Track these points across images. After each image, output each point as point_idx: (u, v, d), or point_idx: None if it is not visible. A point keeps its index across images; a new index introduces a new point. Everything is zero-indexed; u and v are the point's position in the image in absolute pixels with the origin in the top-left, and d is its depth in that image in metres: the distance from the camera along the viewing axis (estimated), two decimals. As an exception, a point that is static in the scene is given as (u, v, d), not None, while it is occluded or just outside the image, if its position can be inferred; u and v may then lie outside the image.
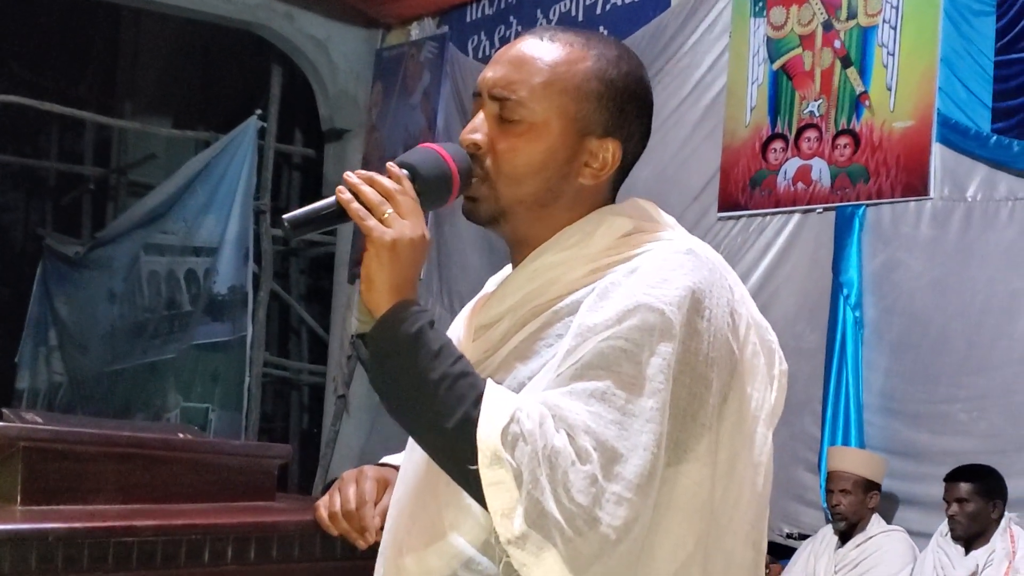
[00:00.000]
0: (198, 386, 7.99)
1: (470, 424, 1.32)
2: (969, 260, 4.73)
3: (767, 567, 5.11)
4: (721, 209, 5.69)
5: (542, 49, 1.51)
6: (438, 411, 1.33)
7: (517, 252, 1.54)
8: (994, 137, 4.66)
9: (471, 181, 1.49)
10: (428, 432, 1.37)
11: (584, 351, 1.36)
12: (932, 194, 4.86)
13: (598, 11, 6.49)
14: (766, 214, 5.51)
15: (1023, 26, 4.63)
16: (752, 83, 5.57)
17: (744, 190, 5.59)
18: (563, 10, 6.68)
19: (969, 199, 4.76)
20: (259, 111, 7.86)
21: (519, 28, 6.98)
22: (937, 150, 4.84)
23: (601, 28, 6.47)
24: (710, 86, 5.80)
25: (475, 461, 1.30)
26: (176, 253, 8.32)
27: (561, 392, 1.34)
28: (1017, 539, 4.05)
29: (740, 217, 5.63)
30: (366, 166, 7.82)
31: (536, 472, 1.28)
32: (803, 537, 4.97)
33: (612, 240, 1.50)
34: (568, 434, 1.30)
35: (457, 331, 1.59)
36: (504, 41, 7.05)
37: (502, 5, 7.05)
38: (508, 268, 1.59)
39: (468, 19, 7.29)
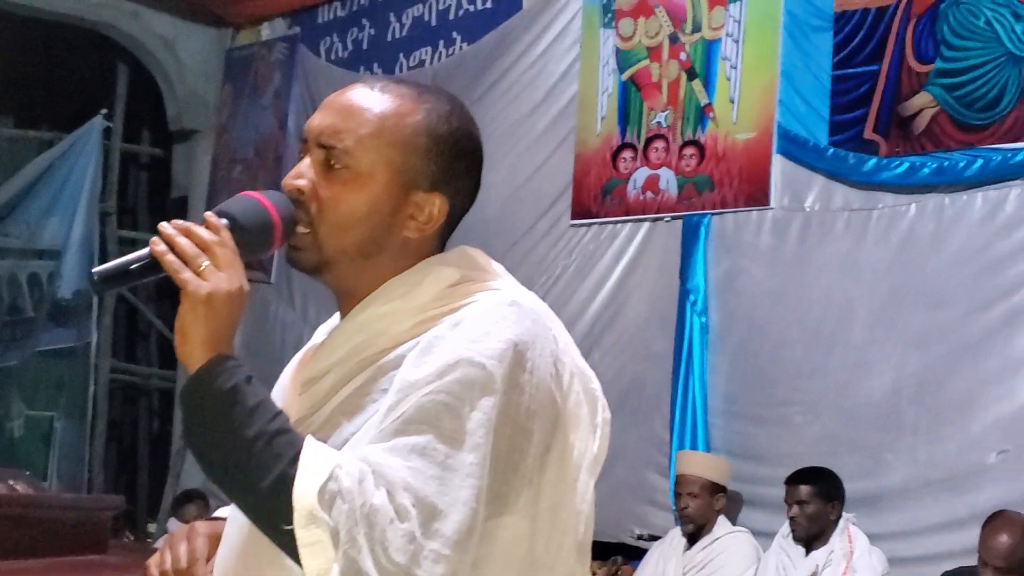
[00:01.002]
0: (42, 394, 7.73)
1: (286, 483, 1.31)
2: (807, 268, 4.90)
3: (619, 567, 5.23)
4: (574, 217, 5.76)
5: (372, 99, 1.50)
6: (253, 470, 1.32)
7: (344, 303, 1.53)
8: (831, 149, 4.82)
9: (294, 229, 1.48)
10: (244, 492, 1.35)
11: (406, 406, 1.36)
12: (773, 204, 5.01)
13: (451, 16, 6.49)
14: (617, 222, 5.61)
15: (858, 42, 4.80)
16: (602, 93, 5.65)
17: (596, 198, 5.68)
18: (416, 14, 6.66)
19: (807, 209, 4.93)
20: (104, 111, 7.63)
21: (372, 31, 6.93)
22: (777, 161, 5.00)
23: (454, 33, 6.49)
24: (562, 94, 5.86)
25: (291, 521, 1.29)
26: (18, 256, 8.02)
27: (382, 448, 1.34)
28: (854, 539, 4.22)
29: (592, 225, 5.71)
30: (216, 167, 7.66)
31: (353, 531, 1.27)
32: (654, 539, 5.08)
33: (439, 291, 1.50)
34: (388, 491, 1.30)
35: (284, 383, 1.58)
36: (356, 44, 7.00)
37: (354, 7, 6.98)
38: (336, 317, 1.57)
39: (320, 20, 7.20)
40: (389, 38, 6.85)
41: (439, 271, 1.53)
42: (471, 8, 6.40)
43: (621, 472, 5.42)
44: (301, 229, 1.47)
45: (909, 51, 4.64)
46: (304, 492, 1.29)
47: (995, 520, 3.69)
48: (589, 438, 1.54)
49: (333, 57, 7.07)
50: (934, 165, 4.47)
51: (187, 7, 7.45)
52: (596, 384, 1.57)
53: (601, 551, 5.36)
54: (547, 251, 5.89)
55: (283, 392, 1.55)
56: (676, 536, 4.71)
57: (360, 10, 6.94)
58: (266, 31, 7.46)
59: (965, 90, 4.45)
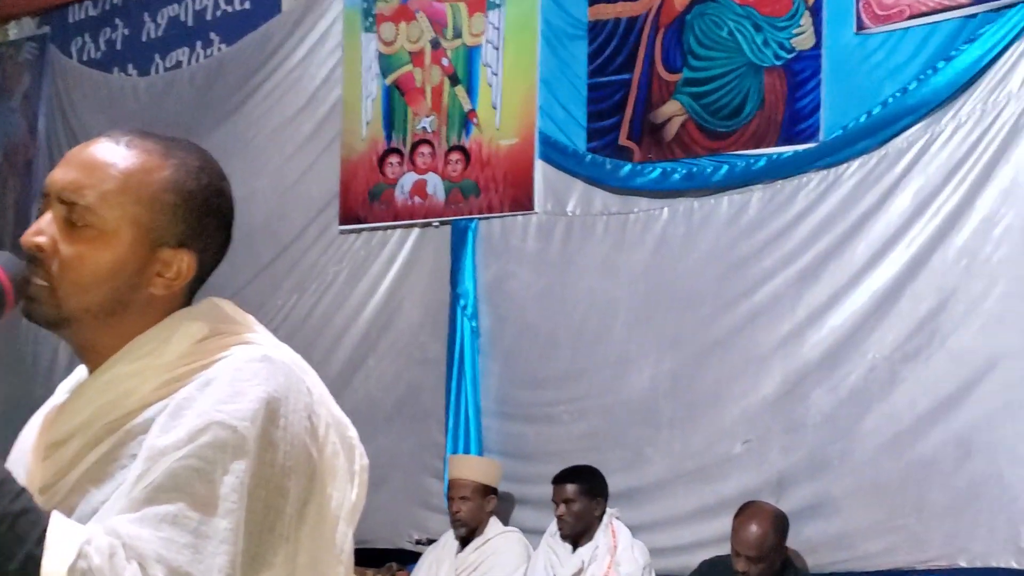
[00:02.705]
0: None
1: (34, 564, 1.26)
2: (570, 271, 5.05)
3: (394, 573, 5.26)
4: (342, 223, 5.73)
5: (117, 154, 1.45)
6: None
7: (88, 359, 1.48)
8: (589, 156, 4.99)
9: (27, 288, 1.42)
10: None
11: (156, 473, 1.33)
12: (537, 209, 5.14)
13: (208, 16, 6.31)
14: (386, 228, 5.61)
15: (612, 50, 4.97)
16: (367, 97, 5.64)
17: (364, 204, 5.66)
18: (172, 14, 6.45)
19: (569, 214, 5.08)
20: None
21: (126, 31, 6.67)
22: (540, 167, 5.13)
23: (211, 34, 6.32)
24: (325, 98, 5.81)
25: None
26: None
27: (132, 519, 1.31)
28: (618, 533, 4.38)
29: (362, 231, 5.69)
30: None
31: None
32: (431, 542, 5.13)
33: (187, 347, 1.47)
34: (140, 565, 1.27)
35: (26, 446, 1.51)
36: (110, 44, 6.72)
37: (107, 6, 6.70)
38: (81, 371, 1.52)
39: (71, 19, 6.87)
40: (144, 38, 6.60)
41: (187, 326, 1.49)
42: (229, 9, 6.25)
43: (398, 478, 5.45)
44: (39, 281, 1.42)
45: (659, 60, 4.84)
46: (53, 573, 1.25)
47: (746, 511, 3.92)
48: (347, 487, 1.54)
49: (86, 58, 6.76)
50: (684, 171, 4.69)
51: (-77, 4, 6.95)
52: (353, 432, 1.58)
53: (378, 557, 5.39)
54: (317, 258, 5.84)
55: (25, 456, 1.49)
56: (449, 539, 4.78)
57: (113, 9, 6.66)
58: (13, 30, 7.05)
59: (711, 98, 4.69)
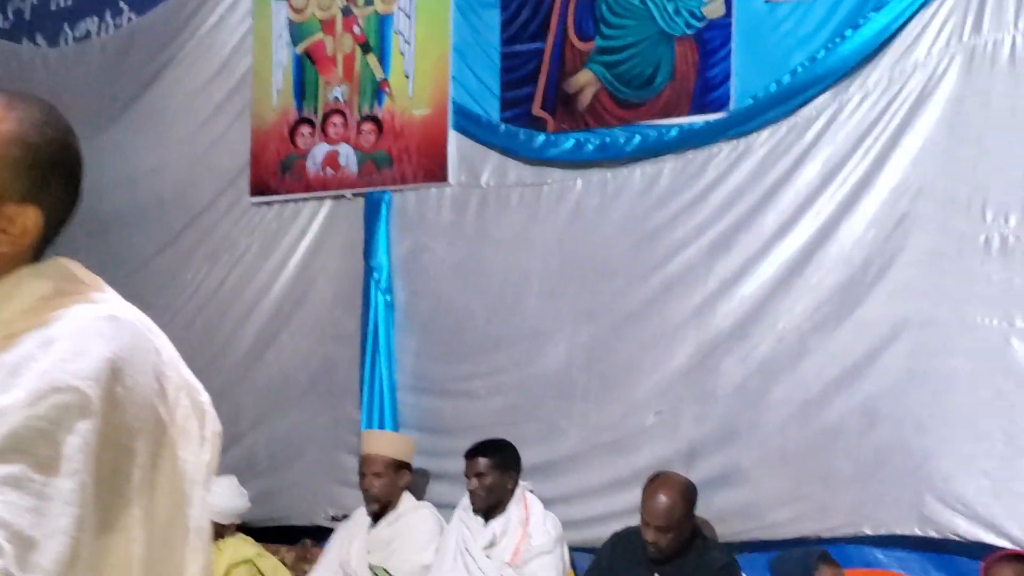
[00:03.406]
0: None
1: None
2: (486, 244, 5.00)
3: (308, 551, 5.19)
4: (253, 194, 5.62)
5: None
6: None
7: None
8: (503, 126, 4.93)
9: None
10: None
11: (-4, 434, 1.27)
12: (451, 180, 5.08)
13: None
14: (298, 199, 5.52)
15: (525, 19, 4.91)
16: (277, 66, 5.52)
17: (275, 175, 5.56)
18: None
19: (483, 185, 5.02)
20: None
21: (34, 1, 6.46)
22: (453, 137, 5.06)
23: (120, 3, 6.16)
24: (236, 67, 5.69)
25: None
26: None
27: None
28: (530, 506, 4.35)
29: (273, 203, 5.59)
30: None
31: None
32: (346, 518, 5.06)
33: (30, 303, 1.42)
34: None
35: None
36: (18, 14, 6.55)
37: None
38: None
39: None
40: (53, 7, 6.41)
41: (31, 284, 1.44)
42: (138, -24, 6.08)
43: (314, 454, 5.38)
44: None
45: (571, 28, 4.79)
46: None
47: (654, 481, 3.91)
48: (200, 451, 1.51)
49: (-8, 27, 6.55)
50: (597, 141, 4.66)
51: None
52: (205, 397, 1.55)
53: (293, 534, 5.32)
54: (229, 229, 5.72)
55: None
56: (361, 515, 4.71)
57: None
58: None
59: (623, 68, 4.65)
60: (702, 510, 4.20)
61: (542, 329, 4.82)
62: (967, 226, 3.82)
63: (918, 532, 3.82)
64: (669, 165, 4.51)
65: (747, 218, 4.34)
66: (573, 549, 4.46)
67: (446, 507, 4.77)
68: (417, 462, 4.96)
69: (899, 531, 3.86)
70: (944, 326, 3.84)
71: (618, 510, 4.28)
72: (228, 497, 4.91)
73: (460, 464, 4.66)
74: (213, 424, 1.53)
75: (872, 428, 3.97)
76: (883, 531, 3.90)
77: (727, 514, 4.25)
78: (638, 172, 4.59)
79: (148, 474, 1.39)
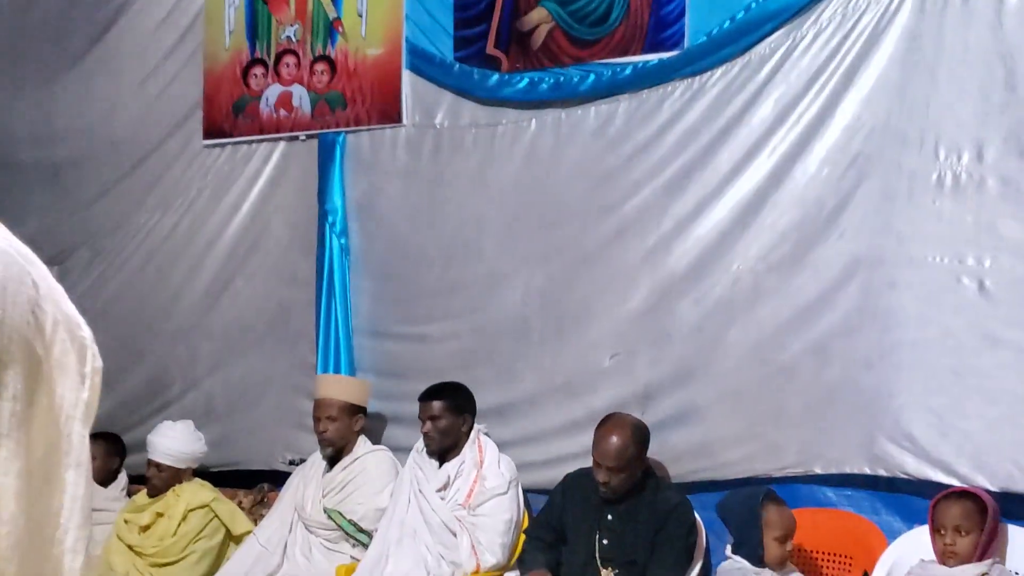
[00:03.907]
0: None
1: None
2: (441, 185, 4.94)
3: (265, 495, 5.18)
4: (206, 136, 5.54)
5: None
6: None
7: None
8: (457, 65, 4.84)
9: None
10: None
11: None
12: (405, 121, 5.00)
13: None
14: (251, 141, 5.43)
15: (479, -43, 4.81)
16: (229, 6, 5.41)
17: (228, 117, 5.46)
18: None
19: (438, 126, 4.94)
20: None
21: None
22: (408, 77, 4.97)
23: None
24: (188, 7, 5.56)
25: None
26: None
27: None
28: (484, 448, 4.34)
29: (226, 145, 5.50)
30: None
31: None
32: (304, 463, 5.05)
33: None
34: None
35: None
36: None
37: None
38: None
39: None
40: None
41: None
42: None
43: (271, 399, 5.36)
44: None
45: (525, -34, 4.70)
46: None
47: (606, 423, 3.90)
48: (79, 388, 1.47)
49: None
50: (551, 80, 4.58)
51: None
52: (86, 332, 1.49)
53: (251, 478, 5.30)
54: (182, 173, 5.64)
55: None
56: (317, 459, 4.70)
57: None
58: None
59: (576, 5, 4.57)
60: (657, 450, 4.20)
61: (498, 272, 4.78)
62: (919, 164, 3.78)
63: (867, 471, 3.82)
64: (623, 104, 4.45)
65: (702, 158, 4.29)
66: (529, 491, 4.47)
67: (404, 451, 4.75)
68: (374, 406, 4.94)
69: (849, 470, 3.87)
70: (895, 265, 3.81)
71: (574, 452, 4.27)
72: (184, 442, 4.89)
73: (417, 408, 4.64)
74: (94, 361, 1.49)
75: (824, 368, 3.96)
76: (833, 470, 3.91)
77: (681, 454, 4.25)
78: (592, 112, 4.52)
79: (22, 408, 1.35)
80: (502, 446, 4.47)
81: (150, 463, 4.89)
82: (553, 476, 4.30)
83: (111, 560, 4.81)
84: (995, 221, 3.60)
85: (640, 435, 3.87)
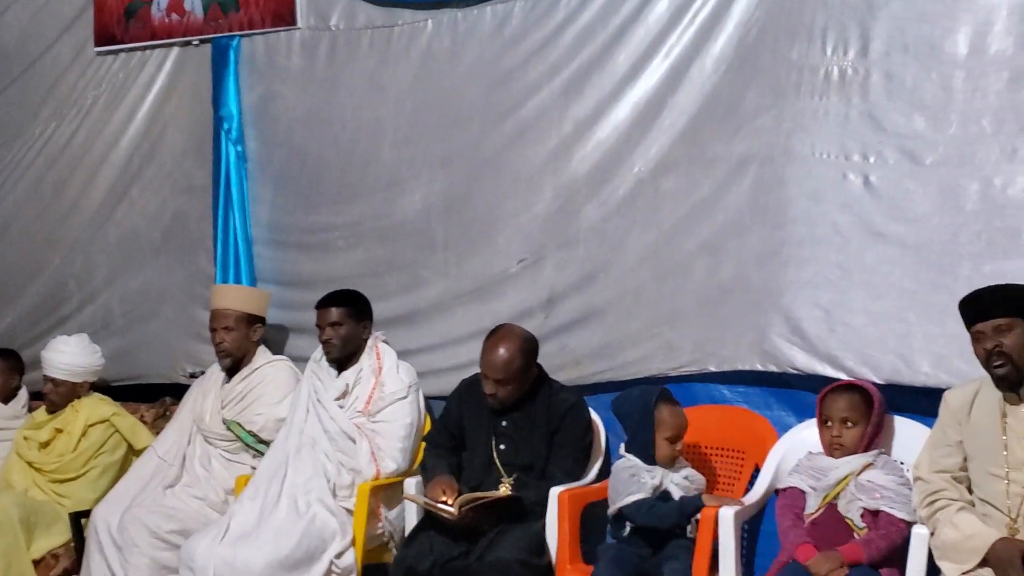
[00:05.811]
0: None
1: None
2: (337, 90, 4.83)
3: (167, 408, 5.10)
4: (98, 44, 5.36)
5: None
6: None
7: None
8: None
9: None
10: None
11: None
12: (299, 24, 4.87)
13: None
14: (144, 48, 5.27)
15: None
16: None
17: (120, 22, 5.29)
18: None
19: (333, 28, 4.82)
20: None
21: None
22: (301, -23, 4.83)
23: None
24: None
25: None
26: None
27: None
28: (383, 355, 4.30)
29: (119, 52, 5.33)
30: None
31: None
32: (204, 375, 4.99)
33: None
34: None
35: None
36: None
37: None
38: None
39: None
40: None
41: None
42: None
43: (170, 311, 5.27)
44: None
45: None
46: None
47: (494, 335, 3.87)
48: None
49: None
50: (447, -21, 4.48)
51: None
52: None
53: (152, 392, 5.23)
54: (75, 81, 5.47)
55: None
56: (216, 370, 4.64)
57: None
58: None
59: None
60: (558, 353, 4.21)
61: (398, 178, 4.70)
62: (807, 60, 3.76)
63: (759, 367, 3.85)
64: (520, 3, 4.36)
65: (599, 59, 4.23)
66: (436, 398, 4.43)
67: (306, 361, 4.71)
68: (276, 316, 4.87)
69: (741, 367, 3.90)
70: (784, 162, 3.81)
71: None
72: (79, 356, 4.80)
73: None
74: None
75: (717, 266, 3.97)
76: (726, 367, 3.94)
77: (582, 356, 4.26)
78: (488, 11, 4.43)
79: None
80: (409, 353, 4.44)
81: (46, 379, 4.79)
82: (456, 381, 4.29)
83: (11, 478, 4.73)
84: (880, 116, 3.60)
85: (528, 347, 3.85)
